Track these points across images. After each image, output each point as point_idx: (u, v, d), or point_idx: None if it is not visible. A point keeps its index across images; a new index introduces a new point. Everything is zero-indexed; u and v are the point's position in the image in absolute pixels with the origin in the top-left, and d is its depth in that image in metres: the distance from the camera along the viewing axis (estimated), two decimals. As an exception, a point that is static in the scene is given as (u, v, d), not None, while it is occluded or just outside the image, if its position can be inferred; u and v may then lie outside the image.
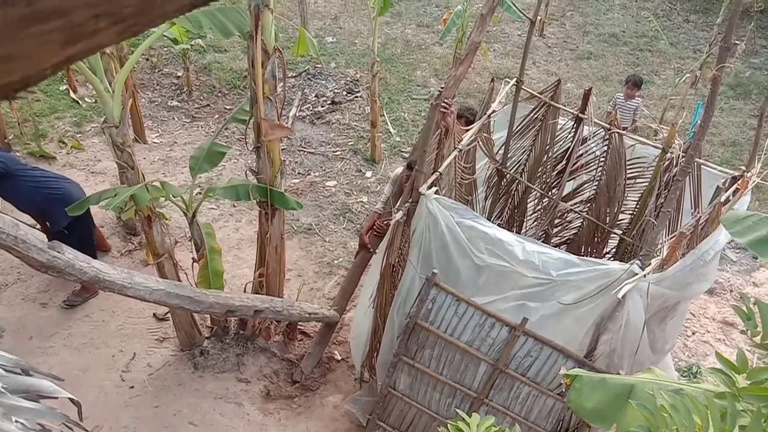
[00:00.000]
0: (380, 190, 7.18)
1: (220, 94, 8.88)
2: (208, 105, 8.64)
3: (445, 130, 3.99)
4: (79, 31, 0.49)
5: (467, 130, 4.44)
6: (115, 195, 3.94)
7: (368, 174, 7.54)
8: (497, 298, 3.71)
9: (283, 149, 7.57)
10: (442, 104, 3.69)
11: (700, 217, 3.49)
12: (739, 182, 3.78)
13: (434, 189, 3.72)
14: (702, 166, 4.16)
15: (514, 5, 6.75)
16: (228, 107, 8.51)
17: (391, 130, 8.30)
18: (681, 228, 3.69)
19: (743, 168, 3.84)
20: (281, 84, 4.24)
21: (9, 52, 0.47)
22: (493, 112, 4.68)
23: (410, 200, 3.79)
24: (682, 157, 3.97)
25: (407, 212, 3.79)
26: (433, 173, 3.89)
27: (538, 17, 10.46)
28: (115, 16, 0.49)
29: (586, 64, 10.59)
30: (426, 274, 3.63)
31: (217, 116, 8.39)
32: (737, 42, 3.20)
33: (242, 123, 4.47)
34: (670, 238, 3.46)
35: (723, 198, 3.65)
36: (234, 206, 6.71)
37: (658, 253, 3.38)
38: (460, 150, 4.22)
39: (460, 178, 4.57)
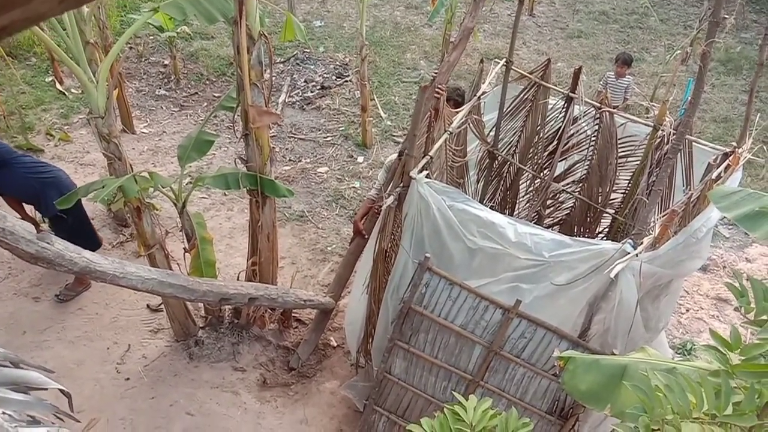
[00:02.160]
0: (372, 176, 7.16)
1: (208, 82, 8.79)
2: (197, 93, 8.56)
3: (435, 112, 3.95)
4: None
5: (457, 113, 4.40)
6: (103, 187, 3.89)
7: (360, 159, 7.50)
8: (491, 280, 3.70)
9: (273, 136, 7.53)
10: (436, 89, 3.65)
11: (692, 194, 3.48)
12: (730, 158, 3.76)
13: (425, 173, 3.69)
14: (693, 144, 4.14)
15: (503, -16, 6.66)
16: (216, 95, 8.43)
17: (382, 114, 8.25)
18: (673, 206, 3.68)
19: (734, 144, 3.83)
20: (268, 70, 4.18)
21: None
22: (483, 93, 4.65)
23: (401, 185, 3.77)
24: (673, 134, 3.95)
25: (398, 197, 3.76)
26: (423, 157, 3.86)
27: (528, -4, 10.35)
28: None
29: (576, 42, 10.52)
30: (419, 259, 3.62)
31: (205, 104, 8.31)
32: (726, 17, 3.17)
33: (230, 110, 4.41)
34: (662, 216, 3.45)
35: (714, 175, 3.64)
36: (225, 195, 6.67)
37: (650, 232, 3.37)
38: (451, 133, 4.19)
39: (451, 161, 4.54)
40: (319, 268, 5.96)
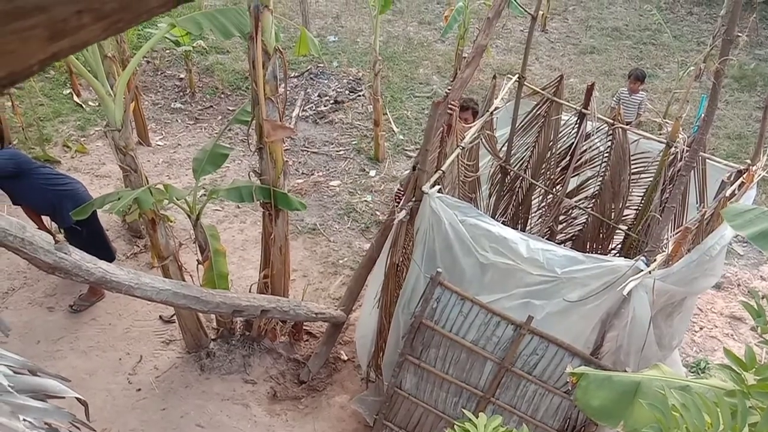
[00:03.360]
0: (384, 189, 7.19)
1: (222, 95, 8.89)
2: (211, 106, 8.65)
3: (448, 127, 3.97)
4: (63, 27, 0.49)
5: (471, 126, 4.42)
6: (119, 198, 3.94)
7: (372, 173, 7.53)
8: (502, 296, 3.69)
9: (286, 149, 7.60)
10: (449, 106, 3.68)
11: (705, 211, 3.46)
12: (744, 176, 3.74)
13: (437, 187, 3.71)
14: (707, 161, 4.12)
15: (516, 1, 6.71)
16: (231, 108, 8.52)
17: (395, 128, 8.29)
18: (686, 223, 3.67)
19: (748, 162, 3.81)
20: (282, 84, 4.23)
21: None
22: (496, 108, 4.67)
23: (413, 199, 3.78)
24: (687, 151, 3.94)
25: (410, 211, 3.78)
26: (435, 171, 3.87)
27: (540, 12, 10.41)
28: (97, 12, 0.49)
29: (589, 58, 10.54)
30: (430, 273, 3.62)
31: (220, 117, 8.40)
32: (739, 34, 3.17)
33: (244, 124, 4.47)
34: (676, 234, 3.43)
35: (728, 192, 3.62)
36: (238, 207, 6.72)
37: (663, 249, 3.35)
38: (463, 148, 4.21)
39: (463, 176, 4.55)
40: (330, 281, 5.97)
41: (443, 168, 3.92)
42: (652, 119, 8.24)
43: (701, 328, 5.71)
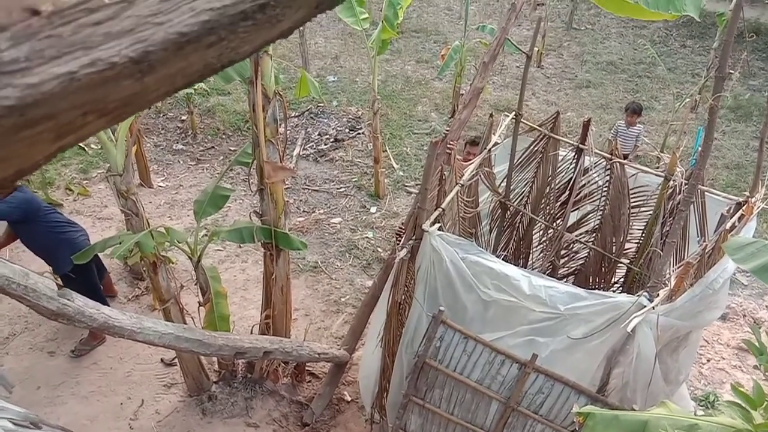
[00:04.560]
0: (385, 225, 7.20)
1: (224, 136, 8.99)
2: (213, 147, 8.74)
3: (449, 167, 4.01)
4: (68, 128, 0.51)
5: (469, 164, 4.46)
6: (120, 242, 3.96)
7: (373, 209, 7.56)
8: (506, 333, 3.66)
9: (287, 188, 7.64)
10: (448, 146, 3.72)
11: (707, 245, 3.46)
12: (743, 208, 3.75)
13: (437, 225, 3.72)
14: (706, 193, 4.14)
15: (510, 40, 6.83)
16: (232, 149, 8.61)
17: (394, 165, 8.36)
18: (687, 257, 3.66)
19: (747, 194, 3.82)
20: (283, 125, 4.28)
21: (3, 155, 0.48)
22: (495, 145, 4.71)
23: (414, 237, 3.79)
24: (685, 185, 3.96)
25: (411, 249, 3.78)
26: (435, 209, 3.89)
27: (536, 48, 10.58)
28: (101, 111, 0.51)
29: (585, 92, 10.67)
30: (433, 312, 3.60)
31: (221, 158, 8.48)
32: (731, 72, 3.23)
33: (246, 165, 4.51)
34: (678, 268, 3.42)
35: (728, 225, 3.63)
36: (240, 247, 6.72)
37: (665, 284, 3.34)
38: (462, 185, 4.23)
39: (463, 212, 4.57)
40: (332, 320, 5.94)
41: (443, 206, 3.93)
42: (648, 153, 8.31)
43: (708, 361, 5.65)
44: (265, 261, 4.63)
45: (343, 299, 6.18)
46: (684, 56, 12.13)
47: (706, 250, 3.46)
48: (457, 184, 4.18)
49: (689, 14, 3.40)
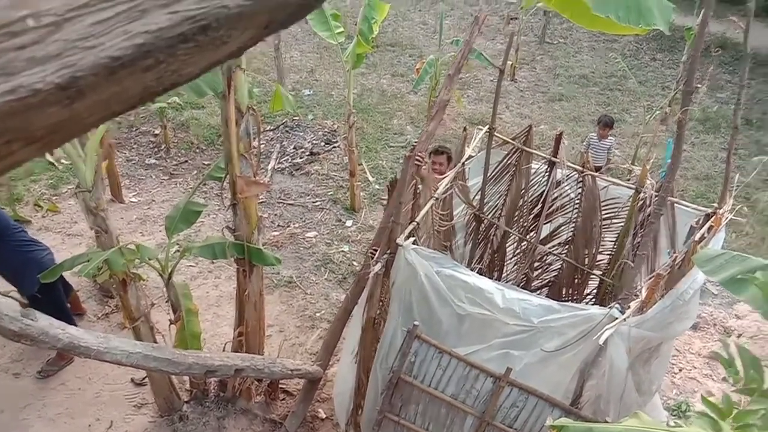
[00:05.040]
0: (361, 239, 7.17)
1: (198, 150, 8.90)
2: (186, 161, 8.64)
3: (420, 179, 4.01)
4: None
5: (444, 177, 4.47)
6: (89, 260, 3.87)
7: (348, 223, 7.53)
8: (481, 347, 3.65)
9: (262, 202, 7.58)
10: (416, 157, 3.72)
11: (676, 257, 3.51)
12: (712, 219, 3.82)
13: (412, 239, 3.71)
14: (675, 205, 4.20)
15: (483, 54, 6.92)
16: (206, 163, 8.52)
17: (370, 178, 8.35)
18: (658, 269, 3.70)
19: (715, 205, 3.89)
20: (256, 140, 4.24)
21: None
22: (468, 158, 4.73)
23: (388, 251, 3.77)
24: (655, 197, 4.02)
25: (386, 264, 3.76)
26: (410, 223, 3.88)
27: (509, 62, 10.70)
28: (27, 139, 0.48)
29: (558, 105, 10.82)
30: (408, 326, 3.58)
31: (195, 172, 8.38)
32: (699, 86, 3.29)
33: (218, 180, 4.45)
34: (648, 279, 3.46)
35: (698, 236, 3.68)
36: (213, 263, 6.63)
37: (637, 295, 3.37)
38: (437, 198, 4.24)
39: (438, 225, 4.57)
40: (307, 336, 5.87)
41: (417, 219, 3.93)
42: (620, 165, 8.43)
43: (680, 370, 5.71)
44: (238, 277, 4.56)
45: (318, 314, 6.13)
46: (654, 69, 12.39)
47: (676, 262, 3.51)
48: (431, 197, 4.18)
49: (659, 28, 3.46)
